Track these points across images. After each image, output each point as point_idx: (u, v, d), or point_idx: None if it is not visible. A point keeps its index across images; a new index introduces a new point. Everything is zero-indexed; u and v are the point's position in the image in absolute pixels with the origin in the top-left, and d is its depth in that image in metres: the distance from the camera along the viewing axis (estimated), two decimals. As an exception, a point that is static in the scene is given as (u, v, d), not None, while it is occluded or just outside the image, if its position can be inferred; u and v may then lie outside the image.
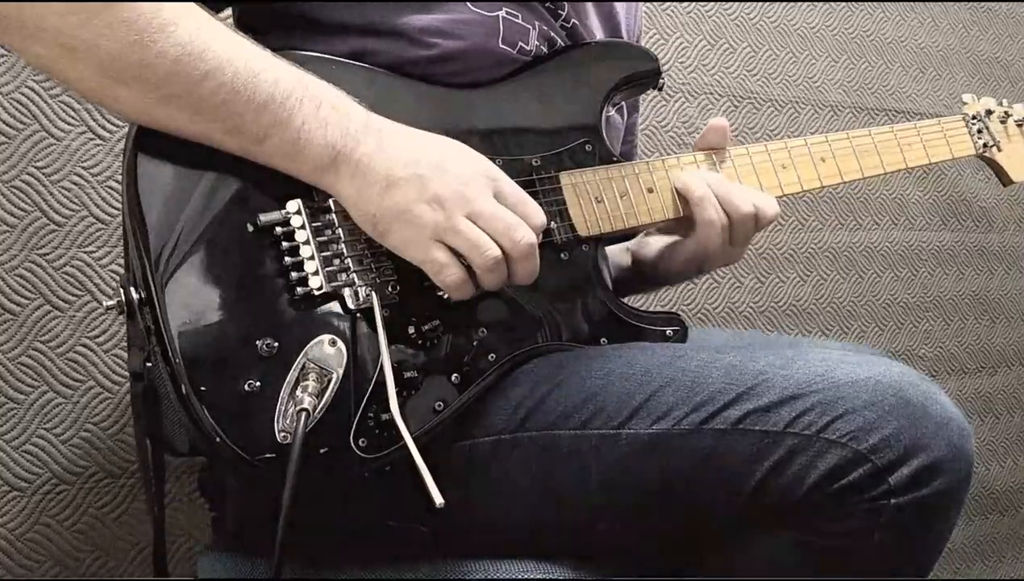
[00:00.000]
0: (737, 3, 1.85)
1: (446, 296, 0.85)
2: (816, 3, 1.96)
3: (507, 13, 0.97)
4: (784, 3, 1.92)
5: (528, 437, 0.85)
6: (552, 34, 1.00)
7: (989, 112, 1.23)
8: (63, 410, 1.24)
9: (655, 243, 1.10)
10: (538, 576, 0.85)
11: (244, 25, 0.97)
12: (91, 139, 1.26)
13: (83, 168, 1.25)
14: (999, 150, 1.22)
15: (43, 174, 1.23)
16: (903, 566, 0.80)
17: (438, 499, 0.76)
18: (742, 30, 1.86)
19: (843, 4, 2.00)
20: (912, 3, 2.09)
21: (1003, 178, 1.24)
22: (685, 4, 1.79)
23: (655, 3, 1.75)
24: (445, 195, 0.80)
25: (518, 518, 0.87)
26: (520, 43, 0.97)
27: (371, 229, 0.82)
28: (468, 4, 0.94)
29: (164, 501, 0.90)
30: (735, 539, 0.83)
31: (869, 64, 2.02)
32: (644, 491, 0.83)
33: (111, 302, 0.81)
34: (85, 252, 1.25)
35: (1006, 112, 1.24)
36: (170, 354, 0.76)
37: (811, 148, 1.08)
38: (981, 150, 1.21)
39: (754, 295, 1.85)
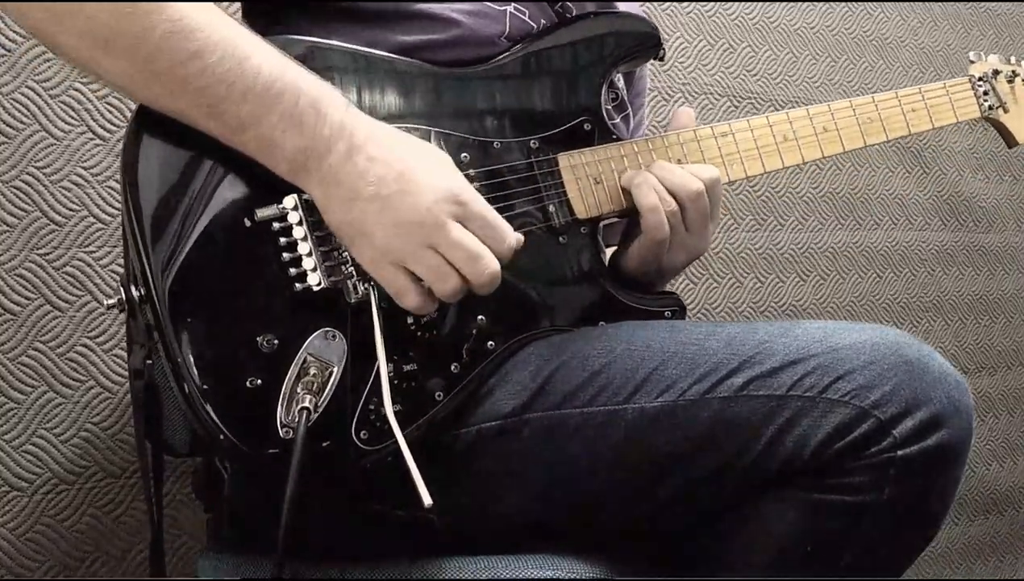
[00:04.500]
0: (737, 3, 1.85)
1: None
2: (816, 3, 1.96)
3: (515, 9, 0.97)
4: (784, 3, 1.92)
5: (535, 419, 0.85)
6: None
7: (996, 72, 1.19)
8: (63, 410, 1.24)
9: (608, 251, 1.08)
10: (547, 575, 0.85)
11: (253, 12, 0.98)
12: (91, 139, 1.26)
13: (83, 168, 1.25)
14: (1005, 112, 1.20)
15: (43, 174, 1.23)
16: (914, 522, 0.81)
17: (426, 499, 0.76)
18: (742, 30, 1.86)
19: (843, 4, 2.00)
20: (912, 3, 2.09)
21: (1008, 140, 1.21)
22: (685, 4, 1.79)
23: (655, 3, 1.75)
24: (405, 221, 0.78)
25: (529, 502, 0.87)
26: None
27: (338, 236, 0.81)
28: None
29: (163, 499, 0.90)
30: (746, 507, 0.83)
31: (869, 64, 2.02)
32: (653, 464, 0.83)
33: (111, 301, 0.81)
34: (85, 252, 1.25)
35: (1014, 71, 1.21)
36: (173, 352, 0.76)
37: (813, 119, 1.06)
38: (987, 112, 1.18)
39: (754, 295, 1.85)
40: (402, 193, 0.79)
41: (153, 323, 0.77)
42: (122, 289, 0.81)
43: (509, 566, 0.85)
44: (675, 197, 0.94)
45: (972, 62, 1.21)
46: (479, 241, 0.80)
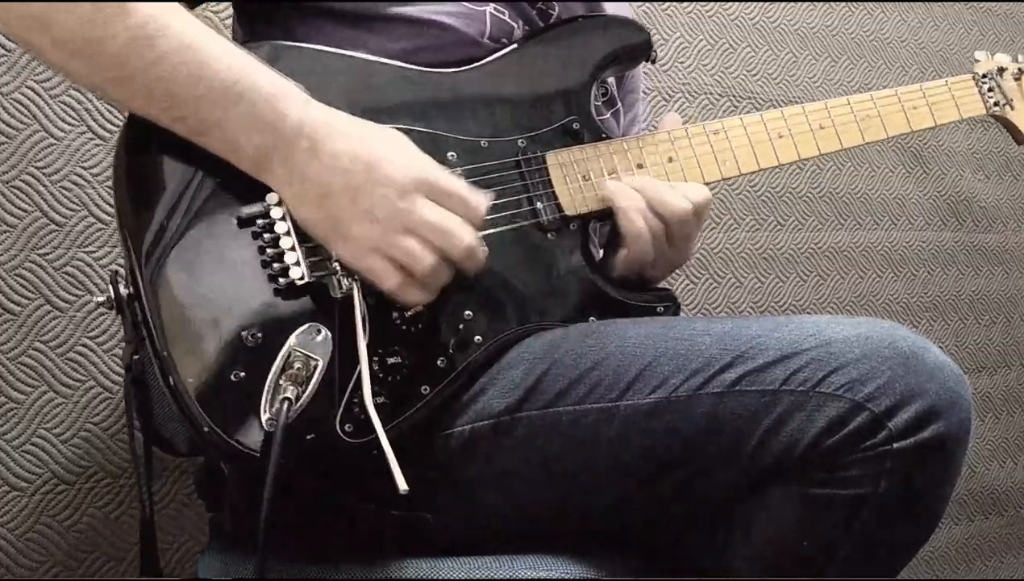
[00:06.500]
0: (737, 3, 1.85)
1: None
2: (816, 3, 1.96)
3: (495, 9, 0.98)
4: (784, 3, 1.92)
5: (527, 417, 0.85)
6: None
7: (1002, 69, 1.19)
8: (63, 410, 1.24)
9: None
10: (540, 575, 0.85)
11: (244, 13, 1.00)
12: (91, 139, 1.26)
13: (83, 168, 1.25)
14: (1012, 108, 1.18)
15: (43, 174, 1.23)
16: (912, 515, 0.81)
17: (402, 485, 0.77)
18: (742, 30, 1.86)
19: (843, 4, 2.00)
20: (912, 3, 2.09)
21: (1017, 137, 1.21)
22: (685, 4, 1.79)
23: (655, 3, 1.75)
24: (378, 208, 0.80)
25: (523, 501, 0.87)
26: (504, 40, 0.98)
27: (313, 233, 0.82)
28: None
29: (153, 493, 0.91)
30: (742, 504, 0.83)
31: (869, 64, 2.02)
32: (646, 461, 0.83)
33: (100, 298, 0.83)
34: (85, 252, 1.25)
35: (1020, 68, 1.20)
36: (159, 347, 0.78)
37: (809, 116, 1.05)
38: (992, 109, 1.17)
39: (754, 295, 1.85)
40: (371, 182, 0.80)
41: (141, 319, 0.79)
42: (111, 286, 0.82)
43: (503, 566, 0.85)
44: (661, 218, 0.94)
45: (978, 60, 1.20)
46: (453, 215, 0.82)
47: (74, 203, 1.24)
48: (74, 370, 1.24)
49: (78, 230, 1.25)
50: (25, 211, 1.22)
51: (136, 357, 0.83)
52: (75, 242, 1.24)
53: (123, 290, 0.81)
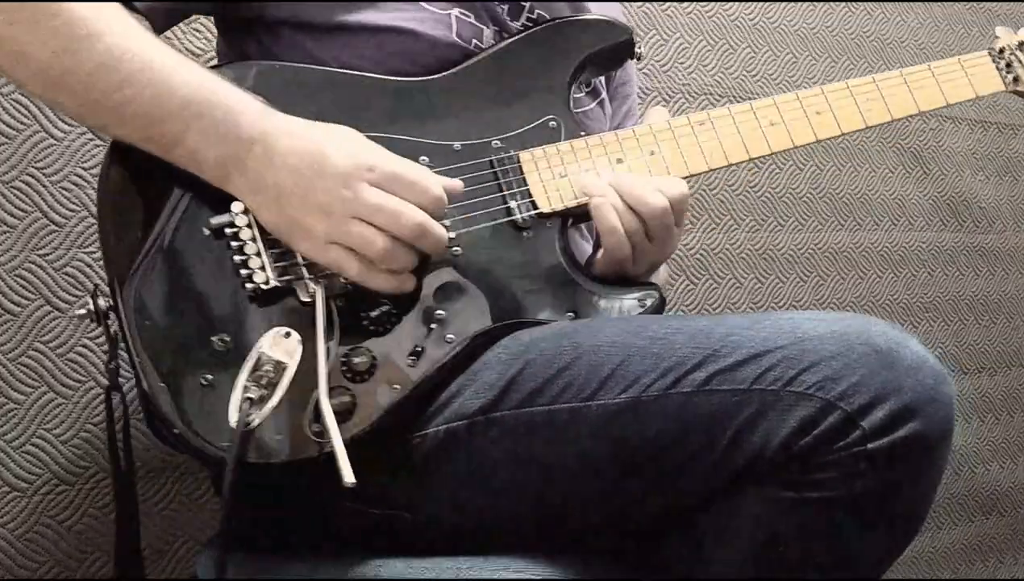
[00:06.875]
0: (737, 3, 1.85)
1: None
2: (816, 3, 1.96)
3: (460, 13, 0.98)
4: (784, 3, 1.92)
5: (501, 418, 0.85)
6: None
7: (1022, 44, 1.13)
8: (63, 410, 1.24)
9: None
10: (511, 576, 0.84)
11: (228, 30, 1.02)
12: (91, 139, 1.26)
13: (83, 168, 1.25)
14: None
15: (43, 174, 1.23)
16: (890, 517, 0.79)
17: (347, 478, 0.77)
18: (742, 31, 1.86)
19: (843, 4, 2.00)
20: (912, 3, 2.09)
21: None
22: (685, 4, 1.79)
23: (655, 3, 1.75)
24: (327, 202, 0.82)
25: (498, 501, 0.87)
26: (475, 40, 0.98)
27: (277, 235, 0.85)
28: (421, 3, 0.96)
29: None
30: (717, 506, 0.82)
31: (869, 64, 2.02)
32: (617, 461, 0.83)
33: (81, 311, 0.86)
34: (85, 252, 1.25)
35: None
36: (133, 353, 0.81)
37: (803, 102, 1.01)
38: (1012, 85, 1.12)
39: (754, 295, 1.85)
40: (317, 176, 0.82)
41: (117, 328, 0.83)
42: (90, 300, 0.86)
43: (477, 566, 0.85)
44: (637, 214, 0.93)
45: (997, 37, 1.15)
46: (399, 199, 0.83)
47: (74, 203, 1.24)
48: (74, 370, 1.24)
49: (78, 230, 1.25)
50: (25, 211, 1.22)
51: (112, 366, 0.87)
52: (75, 242, 1.24)
53: (102, 303, 0.85)
